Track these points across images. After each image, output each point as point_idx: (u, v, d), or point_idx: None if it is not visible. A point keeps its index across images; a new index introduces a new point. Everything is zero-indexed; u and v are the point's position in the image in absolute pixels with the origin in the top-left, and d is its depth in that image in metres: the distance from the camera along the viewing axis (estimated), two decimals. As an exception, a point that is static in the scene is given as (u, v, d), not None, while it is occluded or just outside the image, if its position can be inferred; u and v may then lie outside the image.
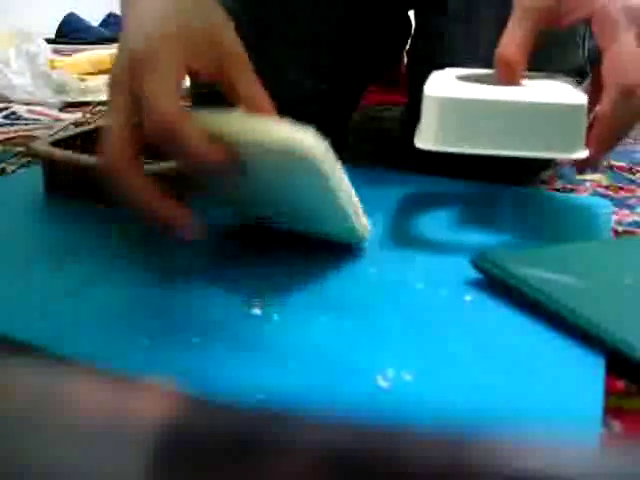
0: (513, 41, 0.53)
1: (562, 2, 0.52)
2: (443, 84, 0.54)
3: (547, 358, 0.39)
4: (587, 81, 0.59)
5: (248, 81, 0.49)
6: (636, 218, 0.64)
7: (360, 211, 0.49)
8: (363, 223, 0.49)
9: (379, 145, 0.63)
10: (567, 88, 0.54)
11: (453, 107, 0.51)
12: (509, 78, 0.53)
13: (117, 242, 0.52)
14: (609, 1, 0.50)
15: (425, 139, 0.52)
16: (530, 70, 0.56)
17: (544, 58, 0.70)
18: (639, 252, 0.51)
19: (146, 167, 0.59)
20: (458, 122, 0.51)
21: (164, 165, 0.57)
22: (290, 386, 0.35)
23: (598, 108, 0.50)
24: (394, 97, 1.11)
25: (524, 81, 0.55)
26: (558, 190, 0.72)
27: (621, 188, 0.74)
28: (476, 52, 0.69)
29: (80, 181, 0.59)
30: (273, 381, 0.35)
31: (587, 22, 0.52)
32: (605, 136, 0.51)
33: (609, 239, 0.57)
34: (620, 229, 0.61)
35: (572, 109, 0.51)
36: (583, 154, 0.51)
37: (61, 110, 1.07)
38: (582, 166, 0.56)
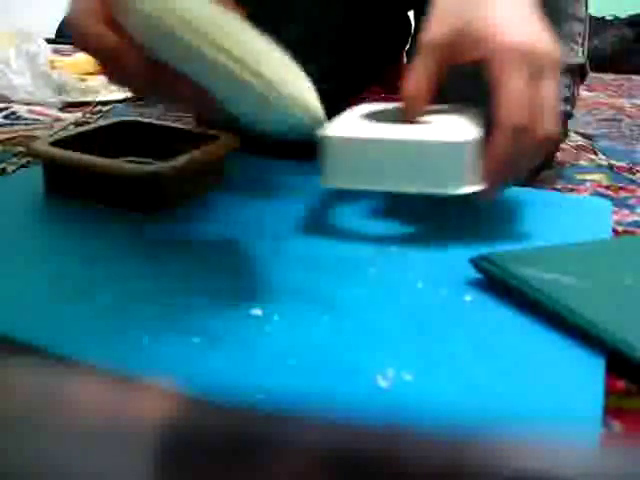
0: (416, 78, 0.54)
1: (460, 40, 0.53)
2: (343, 122, 0.56)
3: (547, 358, 0.39)
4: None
5: None
6: (636, 218, 0.64)
7: (302, 82, 0.45)
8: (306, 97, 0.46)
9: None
10: (462, 124, 0.55)
11: (344, 146, 0.53)
12: (413, 113, 0.55)
13: (117, 242, 0.52)
14: (503, 42, 0.50)
15: (323, 176, 0.54)
16: None
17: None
18: (639, 252, 0.51)
19: (145, 167, 0.59)
20: (351, 160, 0.53)
21: (164, 165, 0.57)
22: (290, 386, 0.35)
23: (490, 145, 0.51)
24: (394, 97, 1.11)
25: (429, 117, 0.56)
26: (558, 190, 0.72)
27: (621, 188, 0.74)
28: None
29: (80, 181, 0.59)
30: (273, 381, 0.35)
31: (482, 62, 0.52)
32: (495, 172, 0.52)
33: (609, 239, 0.57)
34: (620, 229, 0.61)
35: (453, 147, 0.52)
36: (469, 189, 0.52)
37: (61, 110, 1.07)
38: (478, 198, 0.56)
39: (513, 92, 0.50)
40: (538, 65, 0.50)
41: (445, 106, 0.59)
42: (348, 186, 0.54)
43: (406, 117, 0.55)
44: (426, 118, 0.56)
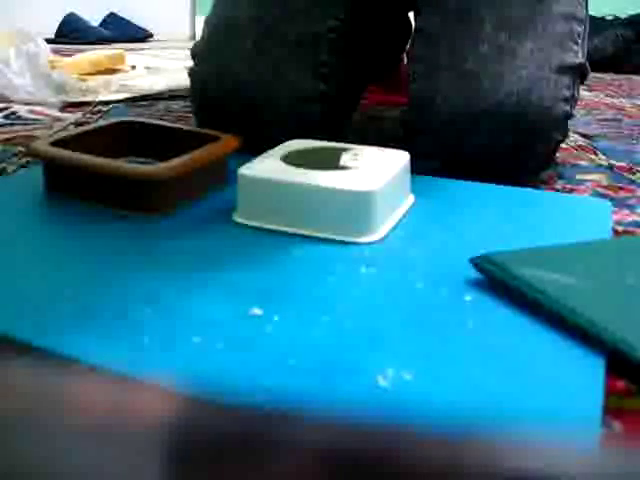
0: None
1: None
2: (260, 162, 0.58)
3: (547, 358, 0.39)
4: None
5: None
6: (636, 218, 0.64)
7: None
8: None
9: (379, 145, 0.63)
10: (378, 170, 0.56)
11: (255, 186, 0.55)
12: None
13: (117, 242, 0.52)
14: None
15: (237, 213, 0.57)
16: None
17: (544, 58, 0.70)
18: (639, 252, 0.51)
19: (145, 167, 0.59)
20: (261, 200, 0.55)
21: (164, 165, 0.57)
22: (290, 386, 0.35)
23: None
24: (394, 97, 1.11)
25: (349, 157, 0.58)
26: (558, 190, 0.72)
27: (621, 188, 0.74)
28: (476, 52, 0.70)
29: (80, 181, 0.59)
30: (273, 381, 0.35)
31: None
32: None
33: (609, 239, 0.57)
34: (620, 229, 0.61)
35: (355, 196, 0.53)
36: (372, 238, 0.53)
37: (61, 110, 1.07)
38: None
39: None
40: None
41: (374, 149, 0.61)
42: (258, 224, 0.55)
43: None
44: (348, 162, 0.57)
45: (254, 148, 0.62)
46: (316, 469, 0.15)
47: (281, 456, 0.15)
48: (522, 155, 0.70)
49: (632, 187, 0.74)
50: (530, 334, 0.41)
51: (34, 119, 1.00)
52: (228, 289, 0.45)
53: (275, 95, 0.74)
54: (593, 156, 0.88)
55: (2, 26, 1.36)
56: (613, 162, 0.85)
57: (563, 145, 0.82)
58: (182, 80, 1.05)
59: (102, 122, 0.71)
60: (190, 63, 0.81)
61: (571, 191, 0.72)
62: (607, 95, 1.40)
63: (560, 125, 0.72)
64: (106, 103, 1.12)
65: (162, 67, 1.48)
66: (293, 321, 0.41)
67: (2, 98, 1.10)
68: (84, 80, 1.19)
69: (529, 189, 0.69)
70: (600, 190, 0.73)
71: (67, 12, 2.17)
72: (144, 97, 1.16)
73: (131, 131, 0.69)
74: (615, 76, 1.69)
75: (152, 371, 0.36)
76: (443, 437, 0.15)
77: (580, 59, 0.73)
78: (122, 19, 2.30)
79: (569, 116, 0.73)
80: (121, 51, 1.43)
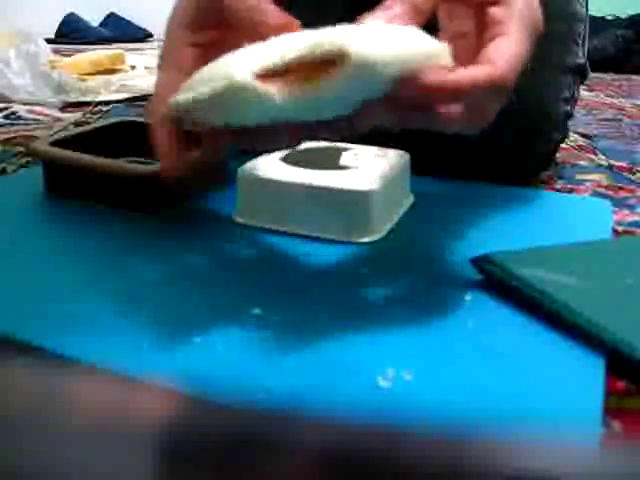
0: None
1: None
2: (260, 161, 0.57)
3: (547, 358, 0.39)
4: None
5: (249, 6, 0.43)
6: (636, 218, 0.64)
7: None
8: None
9: (379, 145, 0.63)
10: (378, 170, 0.55)
11: (254, 185, 0.55)
12: None
13: (117, 242, 0.52)
14: None
15: (237, 213, 0.57)
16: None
17: (544, 58, 0.70)
18: (639, 252, 0.51)
19: (145, 167, 0.59)
20: (259, 200, 0.55)
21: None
22: (290, 386, 0.35)
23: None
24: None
25: (349, 157, 0.58)
26: (558, 190, 0.72)
27: (621, 188, 0.74)
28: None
29: (80, 181, 0.59)
30: (273, 381, 0.35)
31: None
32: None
33: (609, 239, 0.57)
34: (620, 229, 0.61)
35: (355, 196, 0.53)
36: (373, 238, 0.53)
37: (61, 110, 1.07)
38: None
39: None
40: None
41: (374, 149, 0.60)
42: (258, 224, 0.55)
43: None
44: (348, 162, 0.57)
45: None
46: (316, 469, 0.15)
47: (281, 456, 0.15)
48: (522, 155, 0.70)
49: (632, 187, 0.74)
50: (530, 334, 0.41)
51: (34, 119, 1.00)
52: (228, 289, 0.45)
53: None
54: (593, 156, 0.88)
55: (2, 26, 1.36)
56: (613, 162, 0.85)
57: (563, 145, 0.82)
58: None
59: (102, 122, 0.71)
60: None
61: (571, 191, 0.72)
62: (607, 95, 1.40)
63: (560, 125, 0.72)
64: (106, 103, 1.12)
65: (162, 67, 1.48)
66: (293, 321, 0.41)
67: (2, 98, 1.10)
68: (84, 80, 1.19)
69: (529, 189, 0.69)
70: (600, 190, 0.73)
71: (67, 12, 2.18)
72: (144, 97, 1.17)
73: (131, 131, 0.69)
74: (615, 76, 1.69)
75: (152, 371, 0.36)
76: (443, 437, 0.15)
77: (580, 59, 0.73)
78: (122, 19, 2.30)
79: (569, 116, 0.73)
80: (121, 51, 1.43)
